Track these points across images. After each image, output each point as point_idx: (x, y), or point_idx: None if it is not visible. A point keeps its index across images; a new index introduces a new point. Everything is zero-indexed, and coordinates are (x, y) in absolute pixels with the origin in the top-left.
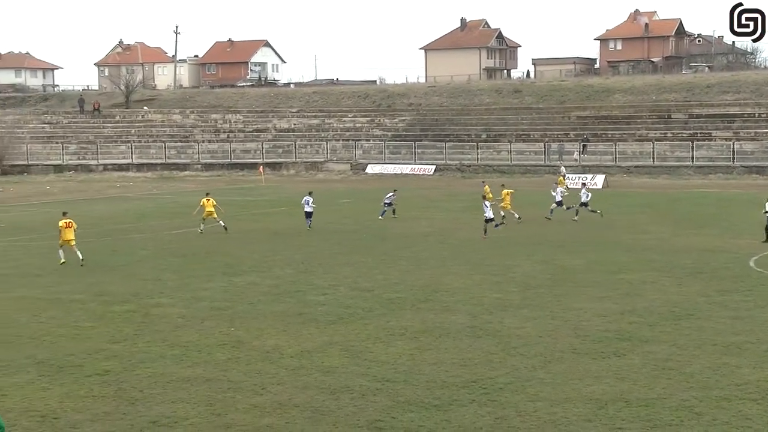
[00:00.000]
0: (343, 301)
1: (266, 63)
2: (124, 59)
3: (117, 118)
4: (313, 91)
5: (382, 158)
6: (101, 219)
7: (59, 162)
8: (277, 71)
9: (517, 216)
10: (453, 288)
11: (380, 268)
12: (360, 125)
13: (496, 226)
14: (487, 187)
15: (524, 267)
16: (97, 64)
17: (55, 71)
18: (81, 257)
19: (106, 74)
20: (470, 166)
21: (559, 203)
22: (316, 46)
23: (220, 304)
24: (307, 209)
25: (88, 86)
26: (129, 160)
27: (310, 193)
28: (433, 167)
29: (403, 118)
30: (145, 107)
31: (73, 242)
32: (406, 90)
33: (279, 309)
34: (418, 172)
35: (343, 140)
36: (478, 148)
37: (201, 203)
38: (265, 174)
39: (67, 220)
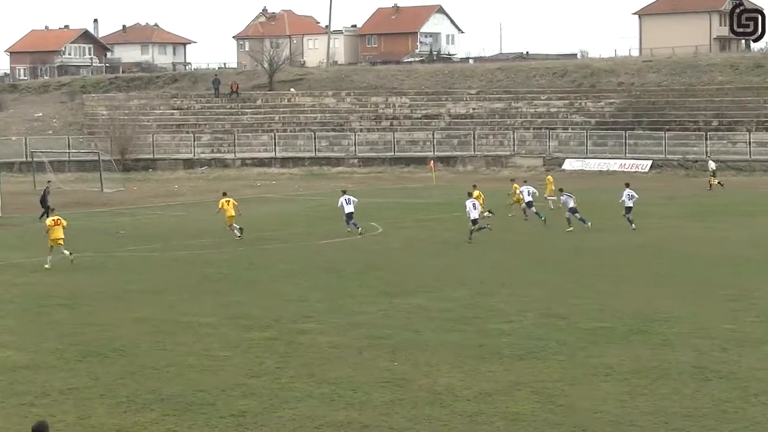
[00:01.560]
0: (533, 331)
1: (439, 33)
2: (268, 31)
3: (258, 102)
4: (496, 67)
5: (583, 151)
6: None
7: (190, 156)
8: (453, 43)
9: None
10: (673, 316)
11: (577, 289)
12: (555, 110)
13: (480, 228)
14: (477, 191)
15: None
16: (236, 38)
17: (187, 46)
18: (70, 255)
19: (247, 49)
20: (696, 161)
21: None
22: (500, 12)
23: (379, 332)
24: (349, 209)
25: (224, 64)
26: (271, 154)
27: (344, 192)
28: (649, 163)
29: (611, 101)
30: (292, 89)
31: (62, 241)
32: (614, 66)
33: (452, 339)
34: (629, 169)
35: (534, 129)
36: (706, 139)
37: (220, 205)
38: (436, 170)
39: (56, 218)
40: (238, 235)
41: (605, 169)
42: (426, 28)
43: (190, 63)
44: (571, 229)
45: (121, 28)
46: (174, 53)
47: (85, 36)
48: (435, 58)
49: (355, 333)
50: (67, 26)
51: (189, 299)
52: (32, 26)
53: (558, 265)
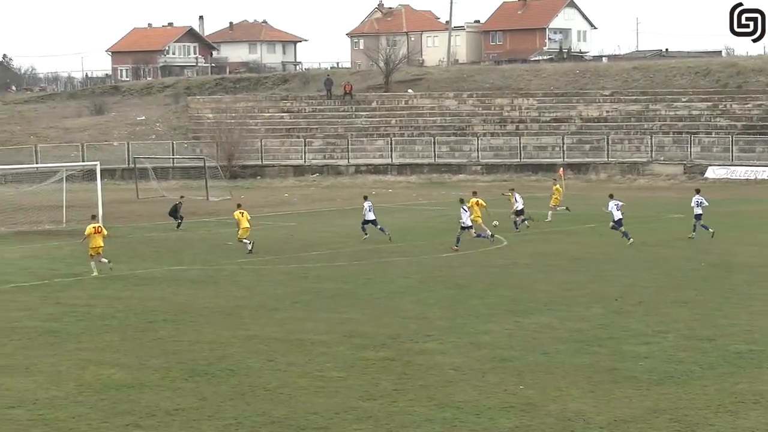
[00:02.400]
0: (673, 353)
1: (570, 30)
2: (384, 27)
3: (373, 104)
4: (633, 66)
5: (728, 158)
6: (352, 237)
7: (300, 162)
8: (585, 40)
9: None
10: None
11: (725, 309)
12: (698, 113)
13: (478, 236)
14: (476, 198)
15: None
16: (350, 35)
17: (298, 45)
18: (109, 264)
19: (361, 47)
20: None
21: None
22: (637, 6)
23: (504, 353)
24: (370, 216)
25: (337, 63)
26: (388, 160)
27: (366, 198)
28: None
29: (760, 102)
30: (410, 90)
31: (101, 250)
32: (763, 64)
33: (584, 362)
34: None
35: (674, 133)
36: None
37: (235, 217)
38: (566, 178)
39: (97, 225)
40: (249, 248)
41: (753, 177)
42: (555, 23)
43: (300, 62)
44: (632, 241)
45: (228, 25)
46: (284, 52)
47: (190, 34)
48: (565, 56)
49: (478, 354)
50: (171, 24)
51: (301, 316)
52: (135, 24)
53: (701, 282)
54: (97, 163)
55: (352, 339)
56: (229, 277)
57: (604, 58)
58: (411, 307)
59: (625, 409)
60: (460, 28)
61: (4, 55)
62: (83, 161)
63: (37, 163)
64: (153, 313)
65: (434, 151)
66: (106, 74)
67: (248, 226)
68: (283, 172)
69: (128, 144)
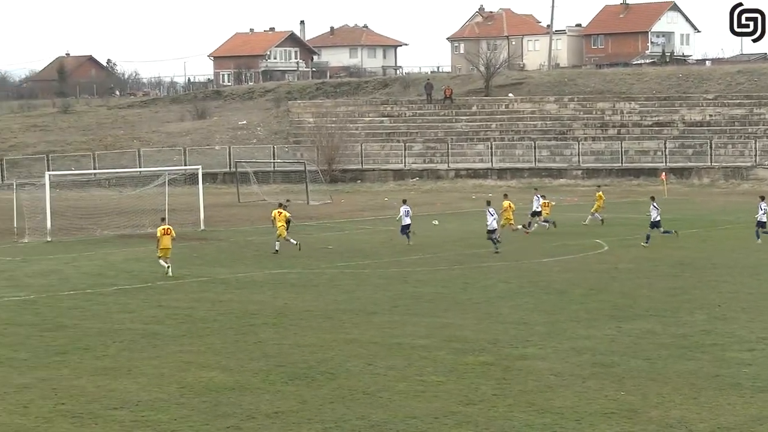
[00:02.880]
0: None
1: (672, 33)
2: (484, 31)
3: (474, 108)
4: (737, 70)
5: None
6: (451, 241)
7: (400, 166)
8: (688, 43)
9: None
10: None
11: None
12: None
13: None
14: (508, 201)
15: None
16: (450, 39)
17: (398, 49)
18: (168, 267)
19: (461, 51)
20: None
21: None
22: None
23: (605, 359)
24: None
25: (438, 67)
26: (488, 164)
27: (405, 201)
28: None
29: None
30: (510, 94)
31: (169, 252)
32: None
33: (686, 368)
34: None
35: None
36: None
37: (273, 216)
38: (669, 183)
39: (166, 227)
40: (276, 249)
41: None
42: (658, 27)
43: (401, 66)
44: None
45: (329, 30)
46: (384, 56)
47: (291, 39)
48: (668, 59)
49: (578, 359)
50: (272, 29)
51: (401, 320)
52: (237, 29)
53: None
54: (199, 167)
55: (451, 343)
56: (329, 281)
57: (707, 62)
58: (510, 312)
59: (729, 417)
60: (562, 31)
61: (108, 60)
62: (185, 165)
63: (140, 167)
64: (254, 316)
65: (534, 156)
66: (209, 79)
67: (284, 224)
68: (383, 177)
69: (230, 148)
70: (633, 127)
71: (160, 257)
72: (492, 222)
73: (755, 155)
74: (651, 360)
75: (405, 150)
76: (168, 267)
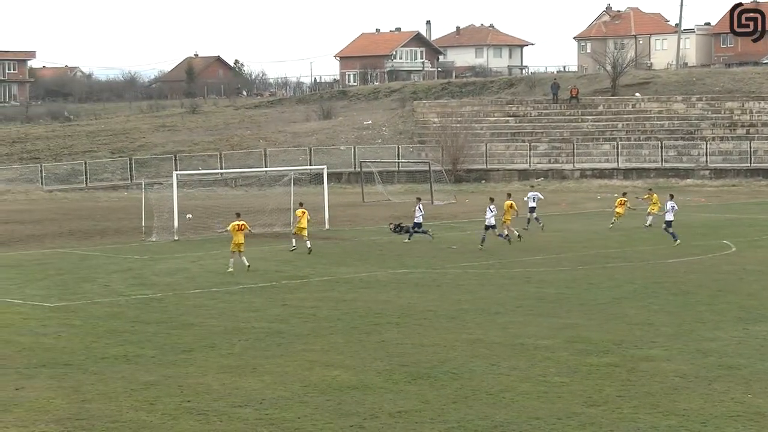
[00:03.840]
0: None
1: None
2: (611, 31)
3: (600, 108)
4: None
5: None
6: (576, 242)
7: (525, 166)
8: None
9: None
10: None
11: None
12: None
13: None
14: (510, 201)
15: None
16: (577, 38)
17: (524, 48)
18: (247, 264)
19: (588, 51)
20: None
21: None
22: None
23: (732, 361)
24: (491, 221)
25: (564, 67)
26: (614, 164)
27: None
28: None
29: None
30: (638, 93)
31: (242, 247)
32: None
33: None
34: None
35: None
36: None
37: (297, 215)
38: None
39: (240, 222)
40: (294, 246)
41: None
42: None
43: (526, 66)
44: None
45: (455, 29)
46: (510, 56)
47: (417, 39)
48: None
49: (704, 361)
50: (398, 29)
51: (524, 320)
52: (363, 29)
53: None
54: (324, 166)
55: (575, 344)
56: (453, 281)
57: None
58: (635, 313)
59: None
60: (690, 30)
61: (236, 61)
62: (311, 165)
63: (266, 167)
64: (377, 315)
65: (661, 156)
66: (334, 79)
67: (305, 225)
68: (508, 176)
69: (355, 148)
70: (762, 126)
71: (233, 252)
72: (490, 218)
73: None
74: None
75: (530, 150)
76: (245, 262)
